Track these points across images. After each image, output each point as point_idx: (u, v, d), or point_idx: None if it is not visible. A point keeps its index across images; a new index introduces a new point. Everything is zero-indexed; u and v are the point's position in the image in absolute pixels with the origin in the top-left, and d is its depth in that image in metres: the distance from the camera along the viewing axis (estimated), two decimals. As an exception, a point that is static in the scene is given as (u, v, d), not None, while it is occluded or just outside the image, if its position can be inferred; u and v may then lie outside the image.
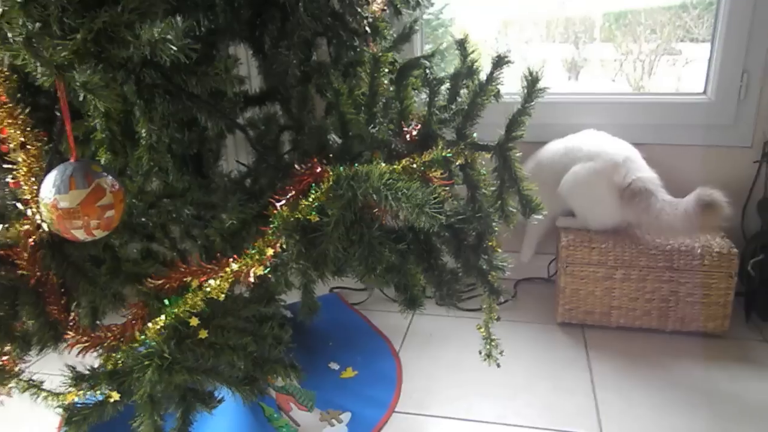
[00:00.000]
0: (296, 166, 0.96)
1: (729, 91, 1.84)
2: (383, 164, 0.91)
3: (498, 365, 1.20)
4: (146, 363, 0.83)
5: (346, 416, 1.38)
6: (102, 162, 0.89)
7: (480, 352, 1.22)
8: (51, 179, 0.76)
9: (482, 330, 1.21)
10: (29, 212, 0.87)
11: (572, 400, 1.47)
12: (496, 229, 1.11)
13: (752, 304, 1.80)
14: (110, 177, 0.79)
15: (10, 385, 0.93)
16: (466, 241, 1.14)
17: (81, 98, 0.71)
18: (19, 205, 0.87)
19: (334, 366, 1.59)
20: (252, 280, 0.88)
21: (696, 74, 1.94)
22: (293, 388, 1.42)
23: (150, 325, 0.88)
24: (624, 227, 1.78)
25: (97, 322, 1.05)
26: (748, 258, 1.76)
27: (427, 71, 1.09)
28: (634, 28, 2.22)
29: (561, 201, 1.84)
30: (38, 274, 0.91)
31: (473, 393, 1.51)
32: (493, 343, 1.21)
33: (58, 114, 0.87)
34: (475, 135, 1.05)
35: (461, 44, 1.12)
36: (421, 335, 1.79)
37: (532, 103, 0.99)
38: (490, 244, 1.15)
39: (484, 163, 1.08)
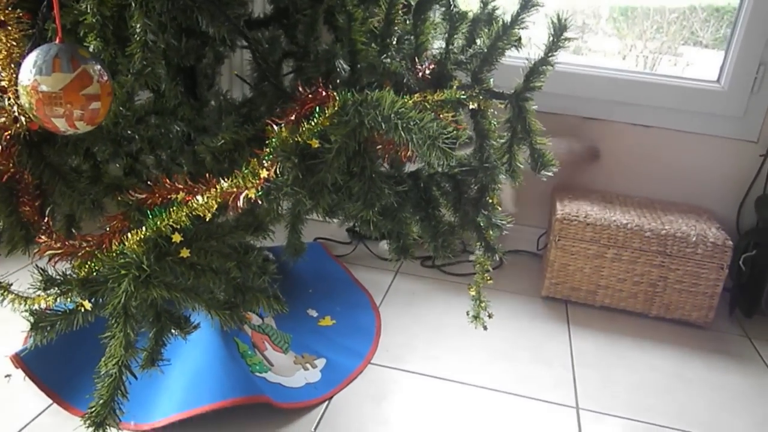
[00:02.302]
0: (300, 89, 0.90)
1: (743, 82, 1.80)
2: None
3: (485, 327, 1.17)
4: (123, 273, 0.78)
5: (321, 362, 1.34)
6: (91, 49, 0.82)
7: (468, 313, 1.18)
8: (32, 59, 0.68)
9: (473, 290, 1.17)
10: (6, 103, 0.79)
11: (551, 372, 1.45)
12: (500, 184, 1.07)
13: (737, 299, 1.79)
14: (99, 65, 0.72)
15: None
16: (467, 194, 1.10)
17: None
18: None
19: (313, 313, 1.55)
20: (241, 204, 0.82)
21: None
22: (269, 328, 1.38)
23: (129, 236, 0.82)
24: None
25: (73, 230, 0.99)
26: (740, 253, 1.74)
27: (452, 4, 1.03)
28: (641, 23, 2.18)
29: None
30: (12, 170, 0.85)
31: (451, 354, 1.48)
32: (482, 305, 1.18)
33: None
34: (491, 80, 1.00)
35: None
36: (403, 293, 1.75)
37: (557, 53, 0.94)
38: (490, 200, 1.11)
39: (496, 113, 1.03)
